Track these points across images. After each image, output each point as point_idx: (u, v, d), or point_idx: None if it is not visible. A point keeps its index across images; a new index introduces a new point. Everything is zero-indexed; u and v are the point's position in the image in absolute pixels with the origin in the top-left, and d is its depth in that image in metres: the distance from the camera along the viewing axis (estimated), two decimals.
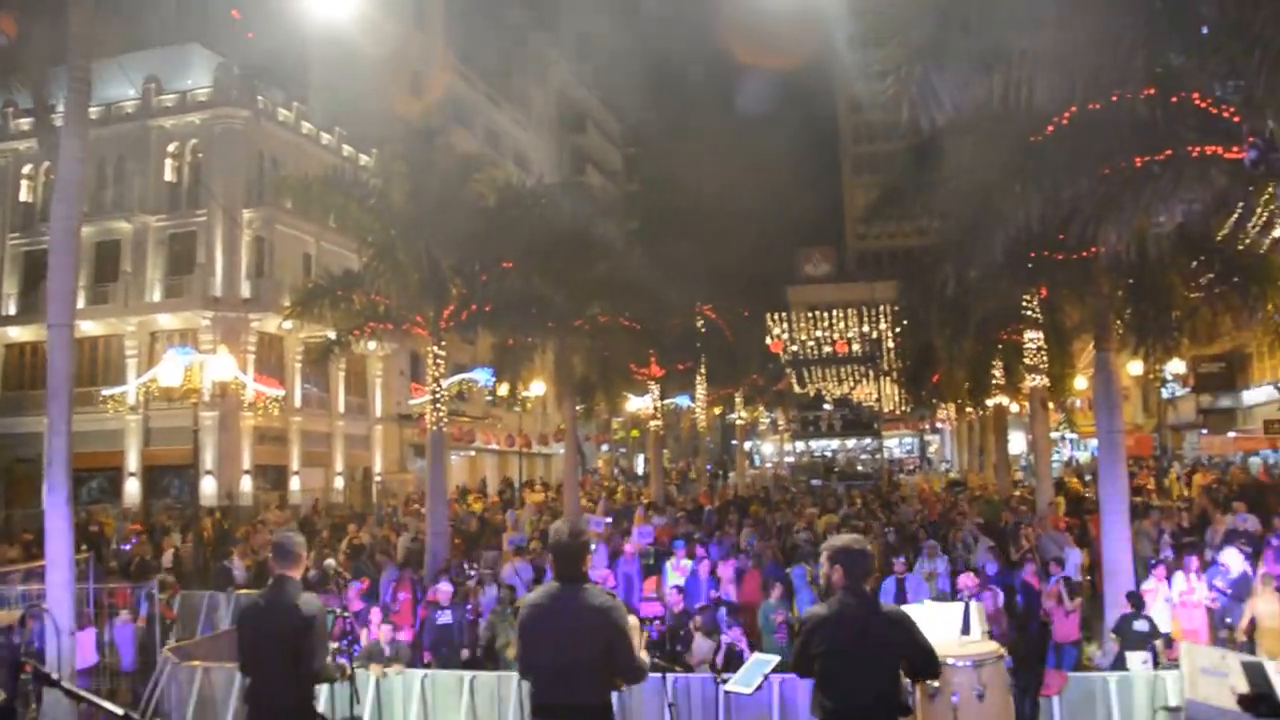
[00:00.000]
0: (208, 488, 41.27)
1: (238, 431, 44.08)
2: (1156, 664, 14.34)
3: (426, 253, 22.43)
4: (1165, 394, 43.81)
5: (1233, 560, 17.91)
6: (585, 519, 25.48)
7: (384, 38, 45.19)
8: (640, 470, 69.93)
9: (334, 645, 8.55)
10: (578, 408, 34.04)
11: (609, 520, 27.95)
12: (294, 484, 47.30)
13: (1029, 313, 25.16)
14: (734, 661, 13.98)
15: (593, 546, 6.80)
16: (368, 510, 40.28)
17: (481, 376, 44.10)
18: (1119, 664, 15.09)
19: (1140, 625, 15.70)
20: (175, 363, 32.83)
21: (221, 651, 15.64)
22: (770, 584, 18.84)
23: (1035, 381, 29.21)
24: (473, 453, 60.29)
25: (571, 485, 32.21)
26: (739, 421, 61.27)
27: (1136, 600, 16.21)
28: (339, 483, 50.28)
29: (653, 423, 40.97)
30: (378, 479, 50.62)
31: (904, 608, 8.37)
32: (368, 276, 23.25)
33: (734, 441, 69.79)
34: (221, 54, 46.83)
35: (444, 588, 18.42)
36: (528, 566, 21.39)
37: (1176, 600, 17.19)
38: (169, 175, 46.32)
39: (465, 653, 17.73)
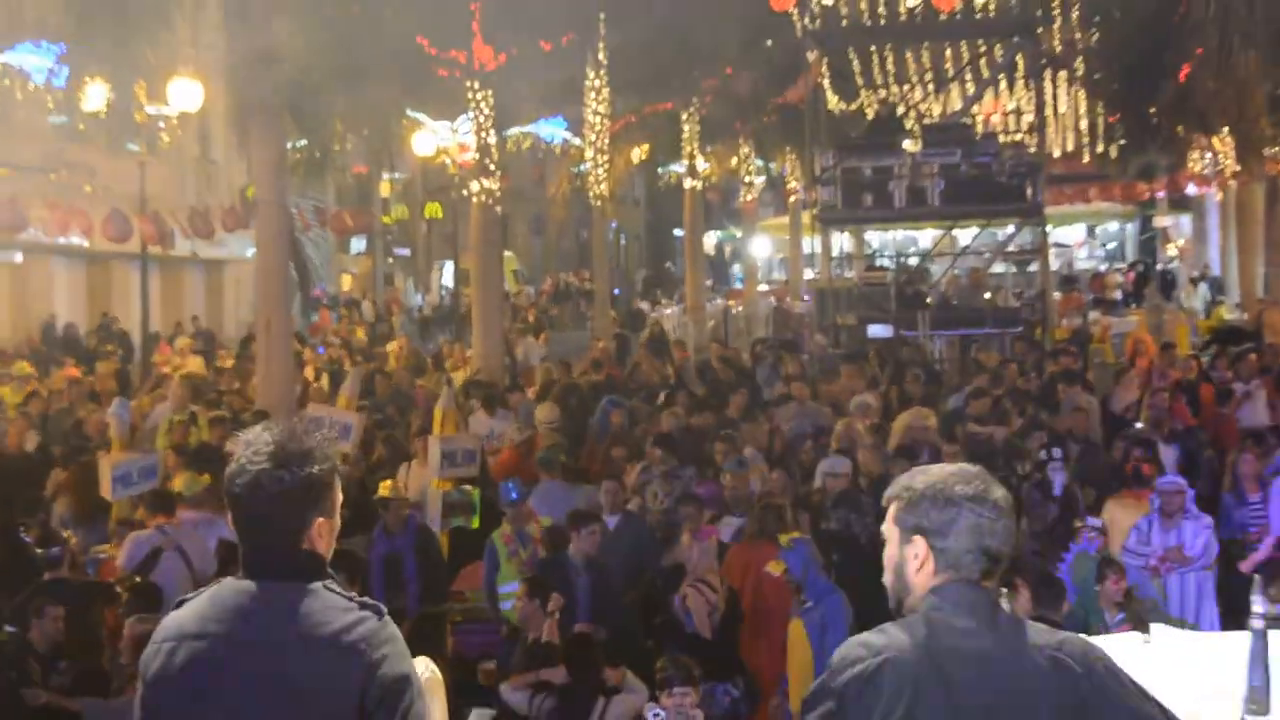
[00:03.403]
0: None
1: None
2: None
3: None
4: None
5: None
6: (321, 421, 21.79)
7: None
8: (445, 299, 64.81)
9: None
10: (289, 146, 28.41)
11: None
12: None
13: None
14: None
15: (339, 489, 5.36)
16: None
17: (39, 66, 34.16)
18: None
19: None
20: None
21: None
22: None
23: None
24: (18, 257, 51.53)
25: (279, 338, 26.86)
26: (692, 185, 50.76)
27: None
28: None
29: (478, 185, 33.25)
30: None
31: (1104, 639, 7.21)
32: None
33: (678, 233, 61.63)
34: None
35: None
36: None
37: None
38: None
39: None
